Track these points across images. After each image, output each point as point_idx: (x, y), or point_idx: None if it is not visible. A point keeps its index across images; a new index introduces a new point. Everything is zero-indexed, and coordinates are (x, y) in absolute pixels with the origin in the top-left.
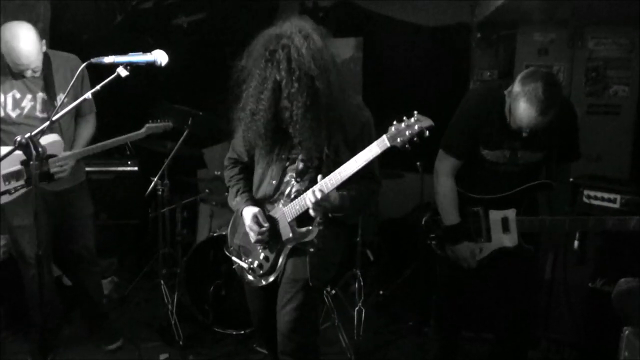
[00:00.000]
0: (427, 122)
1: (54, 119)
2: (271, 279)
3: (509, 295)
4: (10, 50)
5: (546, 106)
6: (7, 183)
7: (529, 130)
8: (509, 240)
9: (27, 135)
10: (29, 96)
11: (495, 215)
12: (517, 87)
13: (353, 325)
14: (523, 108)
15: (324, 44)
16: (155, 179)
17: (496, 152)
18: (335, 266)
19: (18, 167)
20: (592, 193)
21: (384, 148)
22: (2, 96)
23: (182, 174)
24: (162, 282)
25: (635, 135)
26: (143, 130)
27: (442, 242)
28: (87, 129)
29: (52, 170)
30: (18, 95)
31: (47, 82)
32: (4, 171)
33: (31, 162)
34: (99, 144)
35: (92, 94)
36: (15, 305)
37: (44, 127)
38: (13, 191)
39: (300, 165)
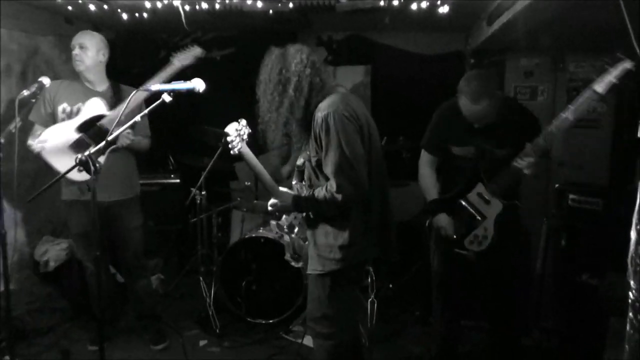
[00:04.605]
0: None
1: (109, 139)
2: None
3: (498, 285)
4: None
5: (477, 96)
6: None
7: (477, 124)
8: (494, 207)
9: (87, 153)
10: None
11: (472, 196)
12: (458, 88)
13: (367, 315)
14: (462, 102)
15: (281, 60)
16: (195, 190)
17: (463, 149)
18: (335, 257)
19: (77, 136)
20: (576, 197)
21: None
22: (61, 107)
23: (217, 185)
24: (201, 278)
25: (613, 146)
26: (175, 63)
27: (440, 240)
28: (142, 144)
29: (121, 141)
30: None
31: (112, 105)
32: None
33: (90, 177)
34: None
35: (142, 117)
36: (78, 300)
37: (100, 147)
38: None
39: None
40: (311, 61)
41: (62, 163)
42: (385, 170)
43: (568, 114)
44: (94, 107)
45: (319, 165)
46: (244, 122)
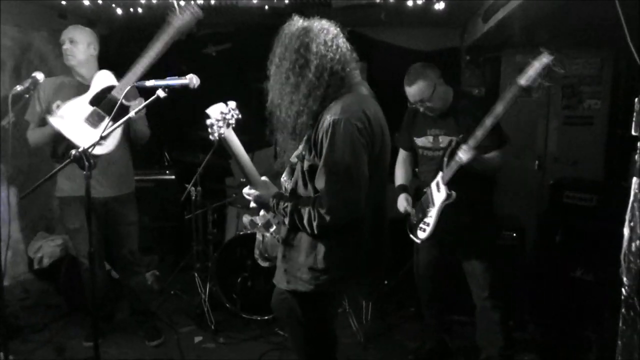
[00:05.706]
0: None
1: (103, 134)
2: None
3: (474, 278)
4: None
5: (411, 78)
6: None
7: (422, 106)
8: (441, 196)
9: (81, 148)
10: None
11: (433, 184)
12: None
13: (362, 312)
14: (405, 88)
15: (301, 36)
16: (190, 186)
17: (422, 139)
18: (302, 277)
19: (90, 110)
20: (571, 193)
21: None
22: (55, 105)
23: (213, 182)
24: (196, 274)
25: (607, 143)
26: (173, 23)
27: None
28: (145, 132)
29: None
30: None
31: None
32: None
33: (85, 172)
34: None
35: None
36: (72, 296)
37: (95, 143)
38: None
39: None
40: (336, 45)
41: (80, 138)
42: (385, 185)
43: (497, 108)
44: (103, 78)
45: (310, 171)
46: (232, 104)
